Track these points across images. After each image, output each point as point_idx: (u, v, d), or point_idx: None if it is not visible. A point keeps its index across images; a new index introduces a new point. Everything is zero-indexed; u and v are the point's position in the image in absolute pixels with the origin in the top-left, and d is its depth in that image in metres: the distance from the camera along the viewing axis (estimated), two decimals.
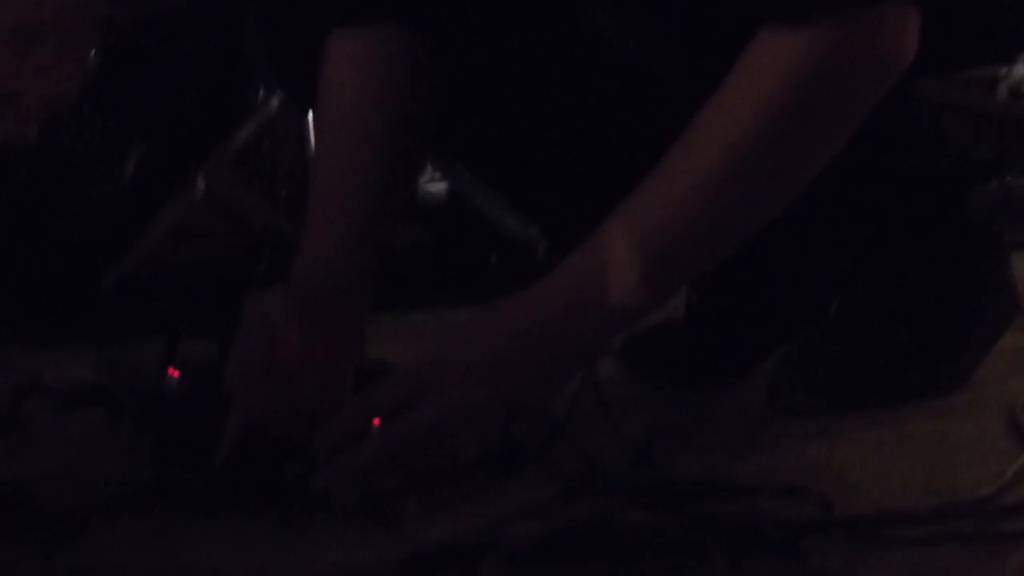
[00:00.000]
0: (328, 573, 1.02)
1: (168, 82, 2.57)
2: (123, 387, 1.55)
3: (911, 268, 1.54)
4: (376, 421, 1.21)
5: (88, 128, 2.56)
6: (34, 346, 2.36)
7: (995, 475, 1.20)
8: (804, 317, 1.59)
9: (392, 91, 1.39)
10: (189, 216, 2.78)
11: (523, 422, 1.20)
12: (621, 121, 1.45)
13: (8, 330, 2.53)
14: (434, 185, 2.92)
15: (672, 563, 0.99)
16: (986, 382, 1.54)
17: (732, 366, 1.67)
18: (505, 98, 1.50)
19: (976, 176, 1.59)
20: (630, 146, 1.38)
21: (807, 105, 1.17)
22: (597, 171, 1.49)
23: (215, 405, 1.35)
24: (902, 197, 1.52)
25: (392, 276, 1.55)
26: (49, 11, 3.20)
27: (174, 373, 1.49)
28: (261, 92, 2.70)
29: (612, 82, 1.43)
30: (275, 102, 2.69)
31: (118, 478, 1.31)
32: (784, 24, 1.16)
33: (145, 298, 2.51)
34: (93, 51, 2.71)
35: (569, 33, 1.39)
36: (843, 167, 1.23)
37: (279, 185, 3.16)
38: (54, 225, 2.61)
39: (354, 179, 1.38)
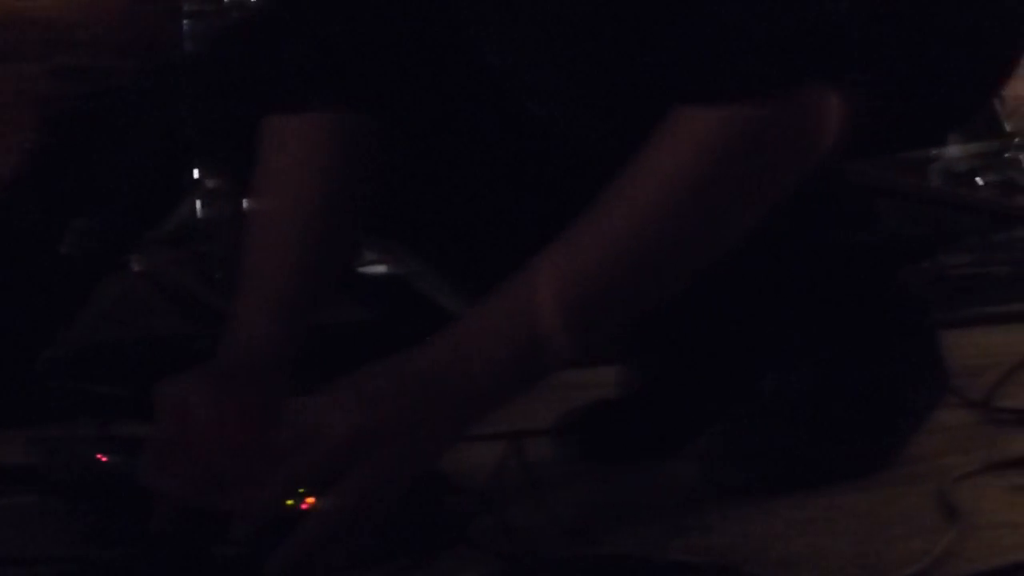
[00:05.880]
0: None
1: (107, 161, 2.57)
2: (55, 468, 1.53)
3: (844, 344, 1.55)
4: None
5: (25, 206, 2.55)
6: None
7: (924, 551, 1.21)
8: (738, 392, 1.60)
9: (328, 169, 1.40)
10: (125, 296, 2.78)
11: (449, 499, 1.19)
12: (552, 198, 1.46)
13: None
14: (373, 268, 2.92)
15: None
16: (917, 458, 1.55)
17: (666, 442, 1.67)
18: (438, 173, 1.50)
19: (908, 254, 1.60)
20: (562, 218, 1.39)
21: (717, 181, 1.19)
22: (530, 245, 1.50)
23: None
24: (833, 274, 1.53)
25: (334, 356, 1.54)
26: None
27: (102, 458, 1.48)
28: (197, 172, 2.72)
29: (544, 158, 1.44)
30: (211, 183, 2.71)
31: (52, 559, 1.30)
32: (699, 100, 1.18)
33: (80, 379, 2.49)
34: (33, 130, 2.71)
35: (504, 114, 1.41)
36: (772, 242, 1.24)
37: (215, 266, 3.15)
38: None
39: (285, 256, 1.38)
